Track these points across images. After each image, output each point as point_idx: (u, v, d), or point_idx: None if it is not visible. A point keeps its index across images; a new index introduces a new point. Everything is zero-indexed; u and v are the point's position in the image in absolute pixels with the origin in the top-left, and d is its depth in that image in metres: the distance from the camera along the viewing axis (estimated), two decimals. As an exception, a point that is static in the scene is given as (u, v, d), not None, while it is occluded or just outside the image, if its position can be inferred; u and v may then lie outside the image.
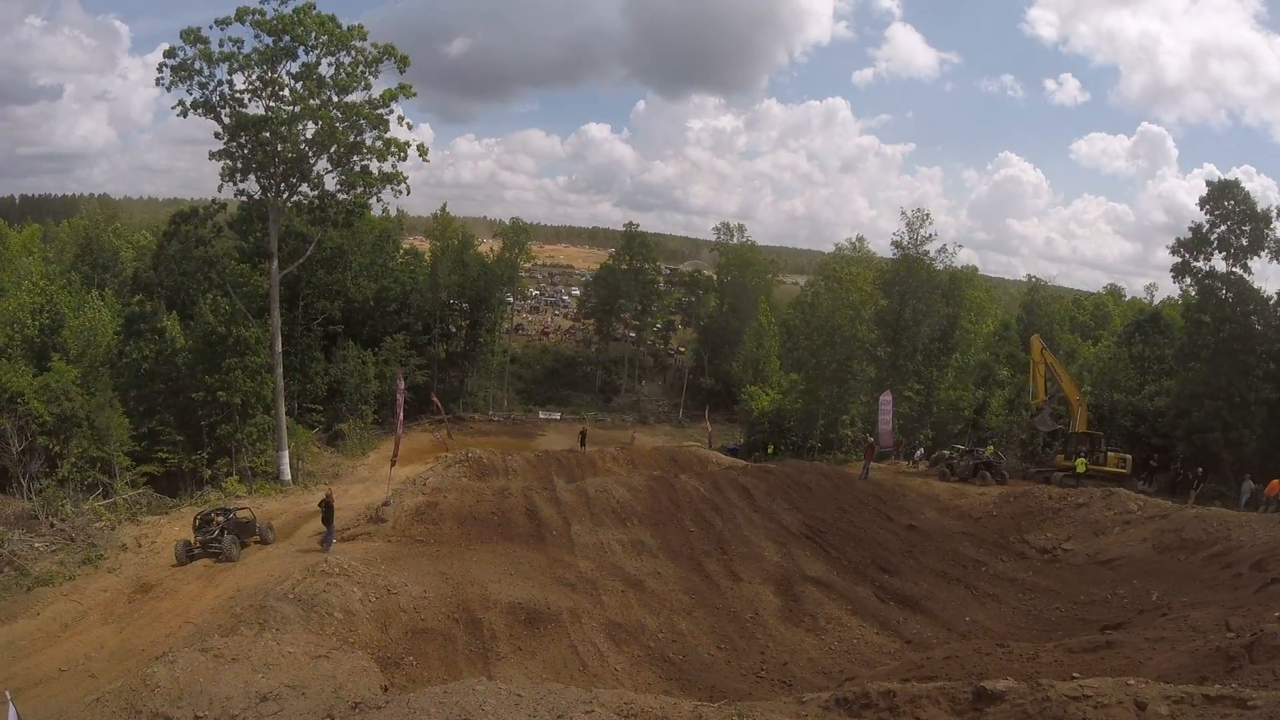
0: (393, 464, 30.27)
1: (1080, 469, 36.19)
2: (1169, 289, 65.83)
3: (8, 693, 9.18)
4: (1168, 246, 45.46)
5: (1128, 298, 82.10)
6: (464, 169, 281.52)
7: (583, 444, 44.64)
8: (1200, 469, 38.69)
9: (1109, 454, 37.78)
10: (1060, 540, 26.11)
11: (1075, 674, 11.08)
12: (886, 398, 41.51)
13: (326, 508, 23.70)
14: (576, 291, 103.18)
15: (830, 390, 54.24)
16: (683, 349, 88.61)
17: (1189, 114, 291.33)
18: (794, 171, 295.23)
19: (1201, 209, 43.51)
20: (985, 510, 29.88)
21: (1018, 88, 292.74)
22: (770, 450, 53.28)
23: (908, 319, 52.54)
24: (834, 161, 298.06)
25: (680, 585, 21.16)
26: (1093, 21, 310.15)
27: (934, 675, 12.28)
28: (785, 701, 11.06)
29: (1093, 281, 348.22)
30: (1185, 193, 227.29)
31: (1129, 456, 38.44)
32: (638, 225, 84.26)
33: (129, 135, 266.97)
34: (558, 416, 71.98)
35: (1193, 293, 45.80)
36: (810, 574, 22.03)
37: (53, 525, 26.06)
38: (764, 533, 24.52)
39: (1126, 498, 27.91)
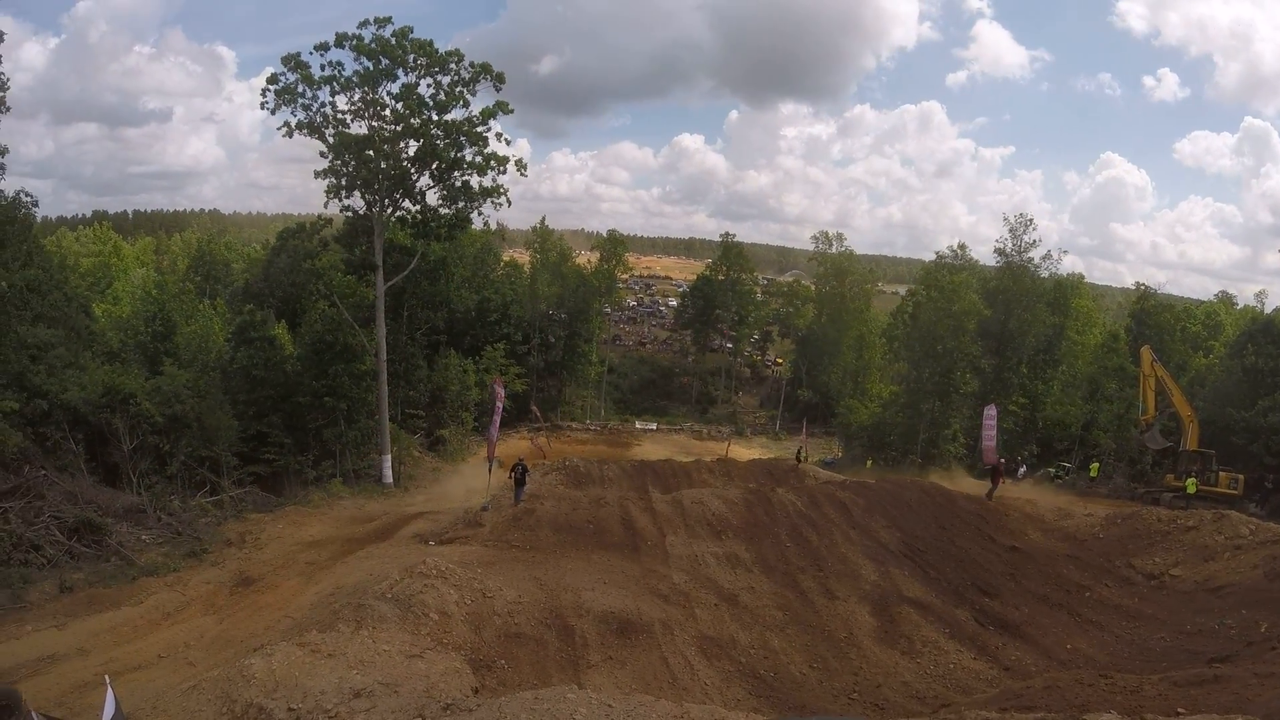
0: (489, 468, 30.90)
1: (1191, 489, 34.53)
2: (1280, 295, 62.19)
3: (106, 676, 9.63)
4: (1278, 250, 43.19)
5: (1240, 305, 78.01)
6: (560, 183, 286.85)
7: (799, 459, 43.81)
8: (1316, 491, 36.59)
9: (1220, 474, 35.95)
10: (1168, 566, 24.63)
11: (1180, 709, 10.57)
12: (990, 411, 39.57)
13: (521, 471, 27.49)
14: (673, 302, 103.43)
15: (932, 404, 52.92)
16: (780, 360, 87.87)
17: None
18: (889, 178, 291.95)
19: None
20: (1091, 532, 28.55)
21: (1115, 85, 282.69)
22: (869, 464, 52.38)
23: (1012, 329, 50.97)
24: (929, 166, 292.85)
25: (774, 601, 20.87)
26: (1182, 10, 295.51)
27: (1033, 705, 11.80)
28: (878, 725, 10.84)
29: (1202, 289, 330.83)
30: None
31: (1241, 476, 36.55)
32: (734, 235, 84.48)
33: (237, 154, 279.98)
34: (654, 427, 72.29)
35: (1307, 300, 43.38)
36: (908, 595, 21.46)
37: (160, 519, 27.36)
38: (861, 550, 23.99)
39: (1238, 521, 26.11)
